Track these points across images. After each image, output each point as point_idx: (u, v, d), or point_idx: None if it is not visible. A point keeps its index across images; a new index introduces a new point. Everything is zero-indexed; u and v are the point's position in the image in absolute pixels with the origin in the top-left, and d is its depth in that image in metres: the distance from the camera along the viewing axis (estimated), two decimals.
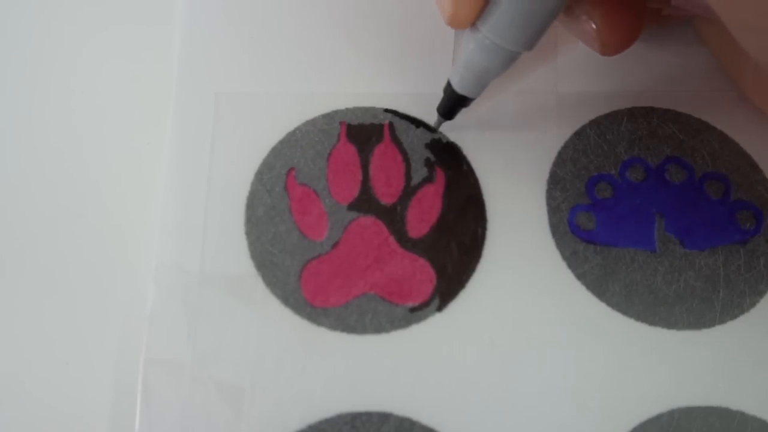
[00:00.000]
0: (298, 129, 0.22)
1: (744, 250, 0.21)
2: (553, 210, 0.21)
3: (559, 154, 0.22)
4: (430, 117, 0.22)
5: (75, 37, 0.24)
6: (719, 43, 0.22)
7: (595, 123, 0.22)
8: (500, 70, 0.19)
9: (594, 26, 0.19)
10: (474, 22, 0.18)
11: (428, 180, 0.22)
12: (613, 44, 0.19)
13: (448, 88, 0.20)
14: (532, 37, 0.18)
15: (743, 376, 0.20)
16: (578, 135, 0.22)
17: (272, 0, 0.24)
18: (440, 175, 0.22)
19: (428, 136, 0.22)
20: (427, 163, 0.22)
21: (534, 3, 0.17)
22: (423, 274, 0.20)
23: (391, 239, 0.21)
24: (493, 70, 0.19)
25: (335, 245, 0.21)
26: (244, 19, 0.23)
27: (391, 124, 0.22)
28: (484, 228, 0.21)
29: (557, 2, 0.17)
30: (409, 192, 0.21)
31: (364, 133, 0.22)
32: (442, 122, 0.22)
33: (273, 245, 0.21)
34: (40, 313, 0.21)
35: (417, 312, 0.20)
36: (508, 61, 0.19)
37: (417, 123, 0.22)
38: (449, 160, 0.22)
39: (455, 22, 0.18)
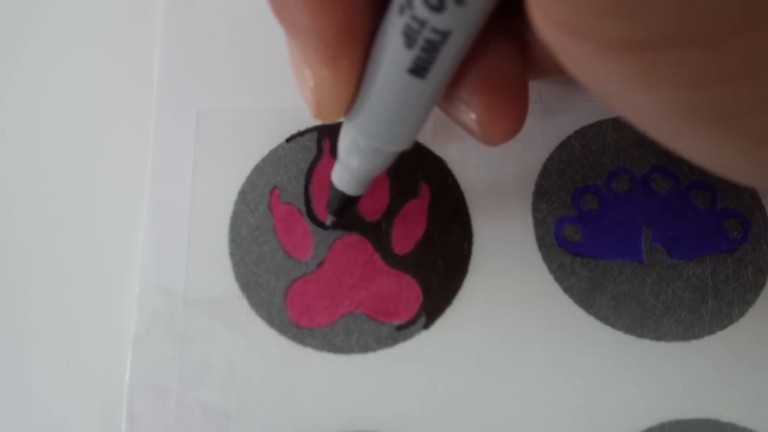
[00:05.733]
0: (280, 146, 0.22)
1: (732, 258, 0.21)
2: (539, 223, 0.21)
3: (545, 166, 0.22)
4: None
5: (53, 55, 0.24)
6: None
7: (580, 134, 0.22)
8: (380, 169, 0.17)
9: (474, 117, 0.16)
10: (344, 115, 0.16)
11: (413, 195, 0.21)
12: (497, 136, 0.17)
13: (332, 187, 0.19)
14: (406, 136, 0.16)
15: (733, 387, 0.20)
16: (563, 146, 0.22)
17: (252, 16, 0.23)
18: (425, 190, 0.21)
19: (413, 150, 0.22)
20: (412, 178, 0.22)
21: (402, 99, 0.15)
22: (409, 291, 0.20)
23: (377, 256, 0.21)
24: (370, 170, 0.17)
25: (320, 264, 0.21)
26: (224, 35, 0.23)
27: None
28: (470, 243, 0.21)
29: (429, 98, 0.15)
30: (393, 208, 0.21)
31: None
32: (335, 221, 0.21)
33: (257, 266, 0.20)
34: (23, 338, 0.21)
35: (404, 330, 0.20)
36: (385, 160, 0.17)
37: None
38: (434, 174, 0.22)
39: (321, 118, 0.16)
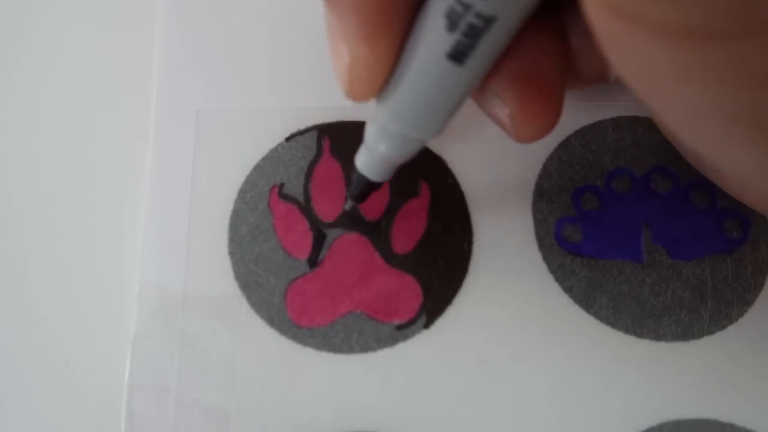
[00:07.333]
0: (280, 145, 0.22)
1: (731, 259, 0.21)
2: (539, 222, 0.21)
3: (545, 165, 0.22)
4: None
5: (52, 55, 0.24)
6: None
7: (580, 134, 0.22)
8: (406, 157, 0.17)
9: (507, 112, 0.16)
10: (377, 96, 0.16)
11: (413, 194, 0.21)
12: (528, 133, 0.16)
13: (355, 171, 0.18)
14: (437, 123, 0.16)
15: (733, 388, 0.20)
16: (563, 146, 0.22)
17: (252, 16, 0.23)
18: (425, 190, 0.21)
19: None
20: (412, 178, 0.22)
21: (437, 84, 0.14)
22: (409, 290, 0.20)
23: (377, 256, 0.21)
24: (397, 156, 0.17)
25: (320, 263, 0.21)
26: (223, 35, 0.23)
27: None
28: (470, 242, 0.21)
29: (466, 86, 0.15)
30: (393, 207, 0.21)
31: (348, 147, 0.22)
32: (355, 206, 0.20)
33: (257, 265, 0.20)
34: (23, 338, 0.21)
35: (404, 330, 0.20)
36: (413, 147, 0.17)
37: None
38: (434, 174, 0.22)
39: (353, 96, 0.16)
